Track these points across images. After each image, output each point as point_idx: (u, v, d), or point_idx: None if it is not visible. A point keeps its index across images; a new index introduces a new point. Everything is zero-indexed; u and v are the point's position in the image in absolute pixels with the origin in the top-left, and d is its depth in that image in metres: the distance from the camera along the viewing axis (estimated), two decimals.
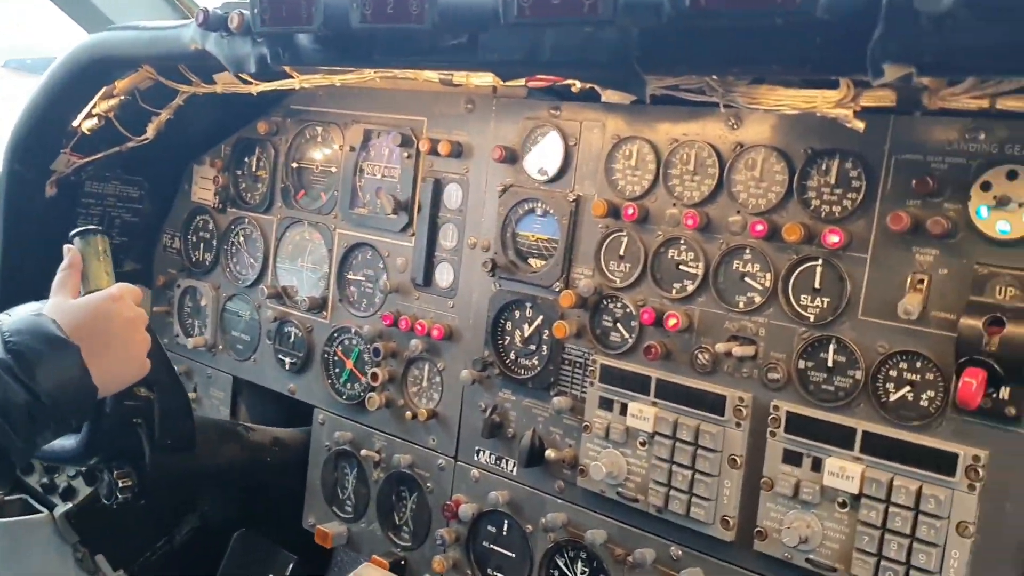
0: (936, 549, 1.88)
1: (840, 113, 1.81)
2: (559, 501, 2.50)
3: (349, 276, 3.00)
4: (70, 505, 3.45)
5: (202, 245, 3.47)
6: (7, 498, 3.51)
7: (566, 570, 2.52)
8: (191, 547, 3.85)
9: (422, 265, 2.75)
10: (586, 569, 2.48)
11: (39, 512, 3.47)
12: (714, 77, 1.86)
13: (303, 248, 3.13)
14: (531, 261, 2.55)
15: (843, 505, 2.01)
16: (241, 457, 3.04)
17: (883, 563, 1.93)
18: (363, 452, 2.92)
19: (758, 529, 2.12)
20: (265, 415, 3.40)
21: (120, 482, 2.67)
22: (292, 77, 2.68)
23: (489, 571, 2.68)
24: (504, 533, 2.64)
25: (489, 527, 2.67)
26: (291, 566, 3.65)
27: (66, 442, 2.45)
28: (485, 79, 2.40)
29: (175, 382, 2.70)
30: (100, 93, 3.05)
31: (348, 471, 3.04)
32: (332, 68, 2.57)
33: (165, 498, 3.76)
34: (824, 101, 1.82)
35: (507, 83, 2.38)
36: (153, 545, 3.75)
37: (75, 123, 3.13)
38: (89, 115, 3.12)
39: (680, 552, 2.28)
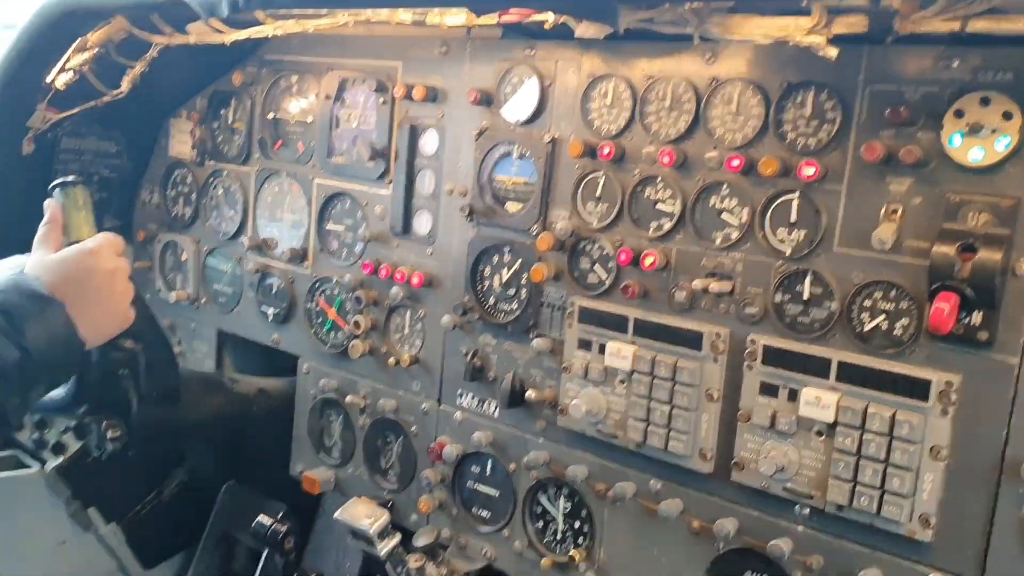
0: (910, 473, 1.91)
1: (813, 41, 1.81)
2: (540, 441, 2.53)
3: (329, 226, 3.00)
4: (61, 460, 3.46)
5: (181, 199, 3.46)
6: None
7: (549, 506, 2.55)
8: (181, 500, 3.87)
9: (400, 213, 2.75)
10: (568, 504, 2.52)
11: (30, 467, 3.49)
12: (688, 6, 1.85)
13: (282, 199, 3.13)
14: (508, 205, 2.55)
15: (819, 434, 2.04)
16: (227, 408, 3.06)
17: (858, 488, 1.97)
18: (348, 399, 2.93)
19: (735, 460, 2.15)
20: (250, 366, 3.41)
21: (109, 432, 2.69)
22: (264, 24, 2.66)
23: (474, 509, 2.72)
24: (488, 473, 2.67)
25: (473, 467, 2.70)
26: (280, 514, 3.69)
27: (55, 392, 2.47)
28: (459, 18, 2.38)
29: (159, 334, 2.72)
30: (73, 47, 3.01)
31: (334, 418, 3.06)
32: (304, 12, 2.54)
33: (153, 452, 3.79)
34: (797, 29, 1.82)
35: (480, 20, 2.36)
36: (143, 499, 3.78)
37: (49, 78, 3.09)
38: (63, 70, 3.08)
39: (660, 485, 2.31)
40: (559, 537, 2.54)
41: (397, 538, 1.91)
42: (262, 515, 2.24)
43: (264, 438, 3.36)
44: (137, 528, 3.76)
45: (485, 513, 2.70)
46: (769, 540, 2.11)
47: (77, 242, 2.27)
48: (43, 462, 3.51)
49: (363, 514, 1.89)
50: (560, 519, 2.53)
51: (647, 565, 2.34)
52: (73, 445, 3.52)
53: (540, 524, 2.58)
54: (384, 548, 1.90)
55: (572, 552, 2.45)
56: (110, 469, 3.60)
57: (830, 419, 1.99)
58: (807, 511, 2.09)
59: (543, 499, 2.57)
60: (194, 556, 3.94)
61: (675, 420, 2.22)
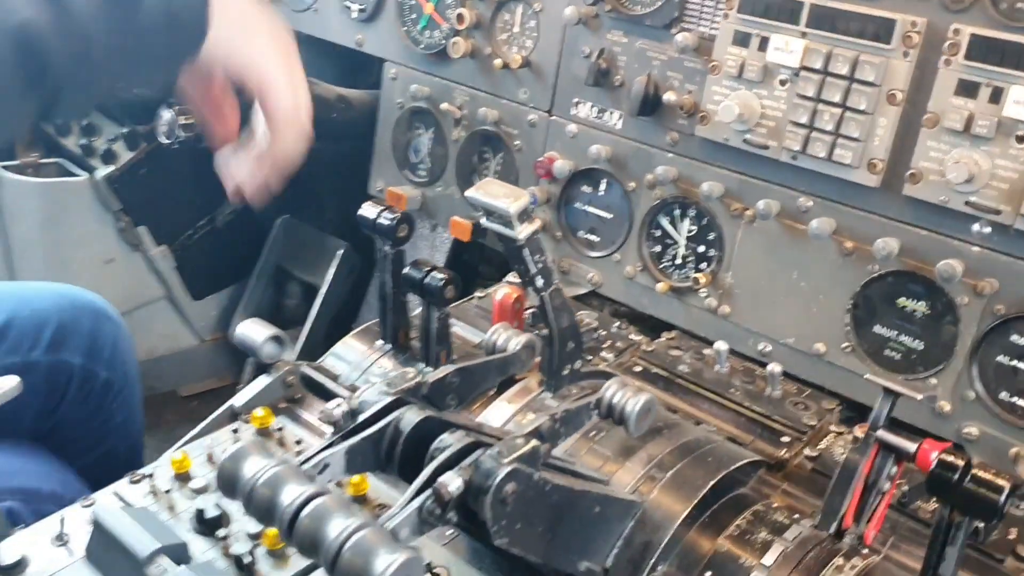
0: None
1: None
2: (670, 155, 2.29)
3: None
4: (112, 169, 3.24)
5: None
6: (43, 160, 3.29)
7: (670, 228, 2.34)
8: (233, 230, 3.70)
9: None
10: (693, 228, 2.30)
11: (78, 175, 3.26)
12: None
13: None
14: None
15: (1021, 139, 1.79)
16: None
17: None
18: (443, 107, 2.66)
19: (912, 171, 1.91)
20: (325, 75, 3.11)
21: (181, 119, 2.44)
22: None
23: (580, 233, 2.51)
24: (601, 192, 2.44)
25: (584, 187, 2.47)
26: (341, 252, 3.52)
27: None
28: None
29: None
30: None
31: (422, 131, 2.80)
32: None
33: (208, 176, 3.57)
34: None
35: None
36: (196, 224, 3.60)
37: None
38: None
39: (810, 203, 2.09)
40: (678, 262, 2.34)
41: (537, 223, 1.68)
42: (365, 206, 2.02)
43: (339, 153, 3.11)
44: (187, 255, 3.61)
45: (594, 237, 2.49)
46: (935, 262, 1.91)
47: None
48: (91, 171, 3.28)
49: (501, 193, 1.65)
50: (682, 242, 2.33)
51: (781, 290, 2.16)
52: (124, 155, 3.29)
53: (658, 248, 2.37)
54: (524, 232, 1.67)
55: (696, 275, 2.26)
56: (162, 188, 3.41)
57: None
58: (988, 229, 1.87)
59: (664, 221, 2.35)
60: (244, 292, 3.81)
61: (845, 125, 1.96)
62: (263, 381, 2.02)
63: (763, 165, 2.13)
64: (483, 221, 1.72)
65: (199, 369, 3.80)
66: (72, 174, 3.28)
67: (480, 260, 3.15)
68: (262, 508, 1.23)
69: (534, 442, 1.34)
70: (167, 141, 2.48)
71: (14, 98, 1.17)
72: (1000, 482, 1.32)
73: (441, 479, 1.25)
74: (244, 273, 3.80)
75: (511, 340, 1.71)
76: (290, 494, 1.21)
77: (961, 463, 1.35)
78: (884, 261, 1.98)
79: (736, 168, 2.18)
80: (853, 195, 2.02)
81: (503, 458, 1.29)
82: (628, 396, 1.53)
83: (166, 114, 2.46)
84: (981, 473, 1.34)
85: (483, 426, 1.54)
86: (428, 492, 1.25)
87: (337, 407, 1.39)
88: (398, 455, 1.39)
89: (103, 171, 3.24)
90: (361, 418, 1.41)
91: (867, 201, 2.01)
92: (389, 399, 1.42)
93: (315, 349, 3.54)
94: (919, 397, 1.61)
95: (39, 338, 2.12)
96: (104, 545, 1.47)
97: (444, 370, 1.53)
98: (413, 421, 1.39)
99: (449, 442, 1.34)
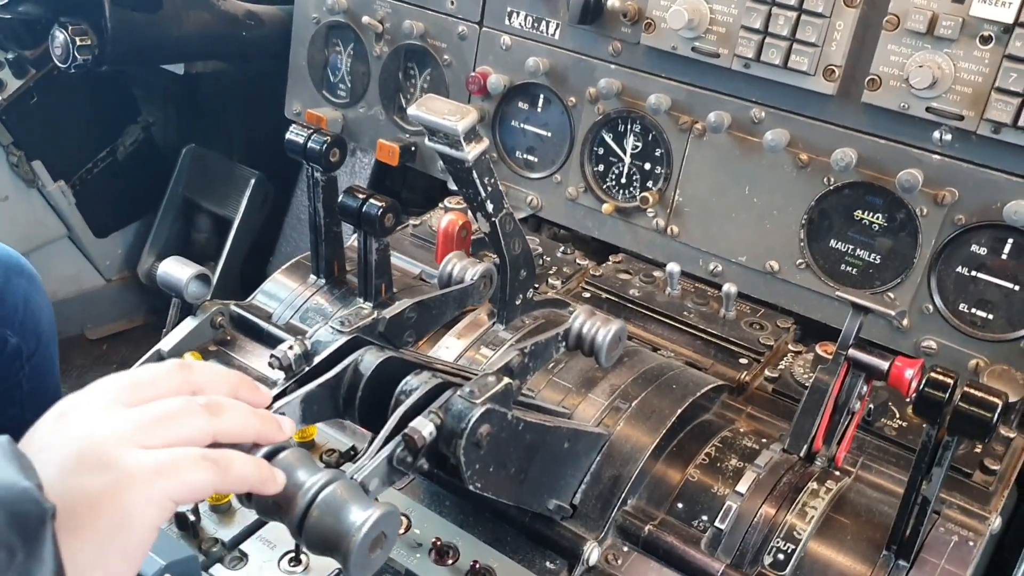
0: None
1: None
2: (613, 67, 2.16)
3: None
4: None
5: None
6: None
7: (614, 145, 2.22)
8: (136, 162, 3.46)
9: None
10: (639, 144, 2.19)
11: None
12: None
13: None
14: None
15: (987, 40, 1.72)
16: (213, 27, 2.56)
17: None
18: (364, 20, 2.46)
19: (871, 77, 1.83)
20: None
21: (78, 40, 2.20)
22: None
23: (518, 153, 2.38)
24: (540, 109, 2.31)
25: (521, 103, 2.33)
26: (253, 181, 3.31)
27: None
28: None
29: None
30: None
31: (341, 48, 2.60)
32: None
33: (105, 104, 3.32)
34: None
35: None
36: (94, 156, 3.33)
37: None
38: None
39: (764, 114, 1.99)
40: (624, 181, 2.24)
41: (486, 143, 1.54)
42: (292, 129, 1.85)
43: (248, 75, 2.90)
44: (88, 190, 3.35)
45: (532, 157, 2.36)
46: (895, 172, 1.85)
47: None
48: None
49: (446, 110, 1.50)
50: (628, 160, 2.22)
51: (732, 206, 2.07)
52: (11, 83, 3.00)
53: (601, 167, 2.26)
54: (472, 152, 1.53)
55: (643, 194, 2.16)
56: (56, 118, 3.16)
57: (1010, 19, 1.67)
58: (949, 136, 1.81)
59: (608, 137, 2.23)
60: (150, 227, 3.58)
61: (801, 29, 1.86)
62: (190, 323, 1.85)
63: (713, 75, 2.02)
64: (427, 141, 1.57)
65: (107, 311, 3.56)
66: None
67: (403, 187, 3.00)
68: None
69: (506, 380, 1.23)
70: (63, 65, 2.24)
71: None
72: (993, 399, 1.26)
73: (412, 424, 1.14)
74: (150, 207, 3.55)
75: (467, 270, 1.58)
76: None
77: (951, 382, 1.29)
78: (841, 173, 1.91)
79: (684, 79, 2.07)
80: (809, 104, 1.94)
81: (475, 398, 1.18)
82: (598, 325, 1.43)
83: (60, 35, 2.22)
84: (973, 391, 1.28)
85: (449, 365, 1.42)
86: (398, 439, 1.13)
87: (290, 349, 1.25)
88: (359, 400, 1.27)
89: None
90: (316, 360, 1.27)
91: (823, 110, 1.93)
92: (345, 338, 1.29)
93: (232, 286, 3.35)
94: (892, 313, 1.55)
95: None
96: None
97: (401, 305, 1.40)
98: (374, 363, 1.27)
99: (415, 384, 1.22)
